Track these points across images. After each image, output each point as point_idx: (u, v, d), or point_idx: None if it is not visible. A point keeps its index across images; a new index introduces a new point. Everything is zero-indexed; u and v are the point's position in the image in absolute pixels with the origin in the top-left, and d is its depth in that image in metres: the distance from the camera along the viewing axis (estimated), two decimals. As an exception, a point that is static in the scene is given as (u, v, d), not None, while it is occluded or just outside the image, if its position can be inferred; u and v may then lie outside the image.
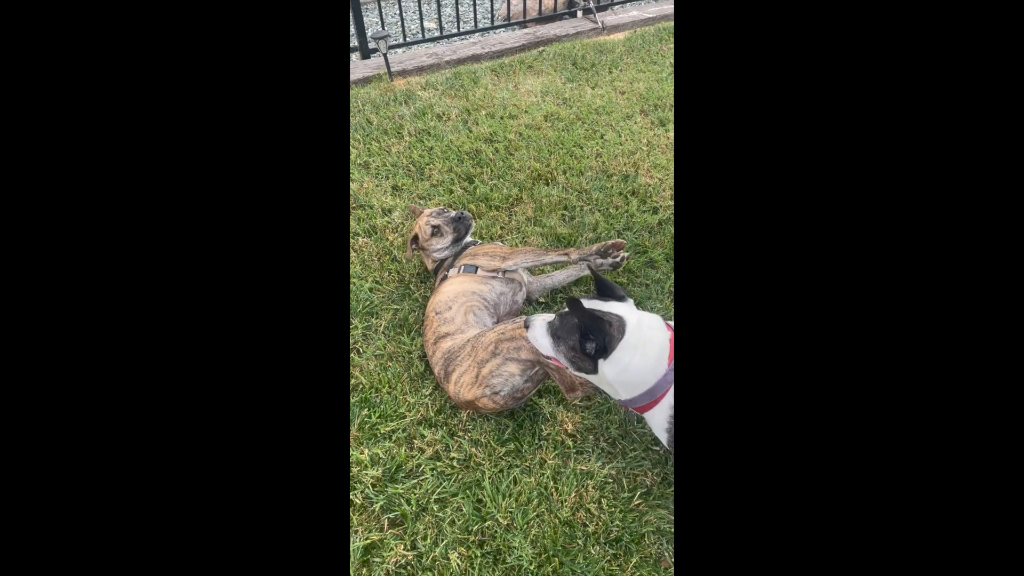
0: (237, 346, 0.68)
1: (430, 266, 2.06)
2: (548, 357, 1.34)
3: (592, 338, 1.19)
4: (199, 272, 0.68)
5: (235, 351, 0.68)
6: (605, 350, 1.19)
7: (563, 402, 1.67)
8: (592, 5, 4.14)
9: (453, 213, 2.05)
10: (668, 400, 1.23)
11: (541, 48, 3.78)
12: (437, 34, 3.89)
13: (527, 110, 3.07)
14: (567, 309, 1.24)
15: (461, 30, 3.97)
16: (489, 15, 4.25)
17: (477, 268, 1.88)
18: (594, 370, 1.24)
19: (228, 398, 0.67)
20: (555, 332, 1.28)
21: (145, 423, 0.65)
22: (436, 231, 2.00)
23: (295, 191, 0.72)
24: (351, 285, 2.05)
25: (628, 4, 4.39)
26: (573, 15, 4.25)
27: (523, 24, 4.15)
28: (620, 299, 1.32)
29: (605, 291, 1.34)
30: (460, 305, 1.77)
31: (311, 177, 0.73)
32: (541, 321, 1.34)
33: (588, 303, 1.26)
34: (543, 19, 4.14)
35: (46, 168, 0.64)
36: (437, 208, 2.09)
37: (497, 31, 4.13)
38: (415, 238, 2.03)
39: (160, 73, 0.68)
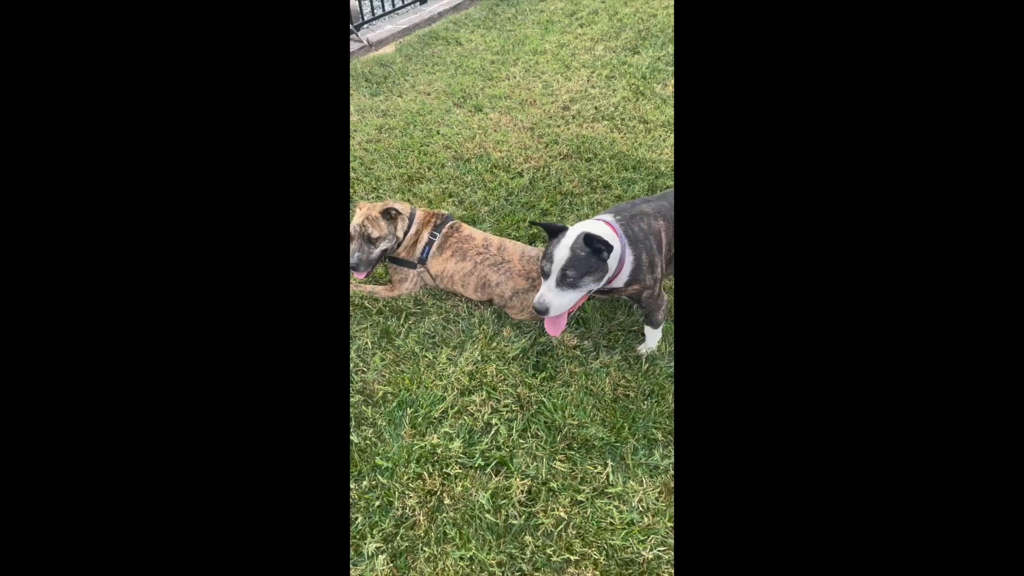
0: (238, 333, 0.70)
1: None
2: (575, 306, 1.62)
3: (599, 247, 1.55)
4: (196, 260, 0.69)
5: (236, 338, 0.70)
6: (611, 245, 1.57)
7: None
8: (351, 25, 4.32)
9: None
10: (621, 277, 1.68)
11: (324, 73, 3.84)
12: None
13: (355, 128, 3.18)
14: (572, 255, 1.54)
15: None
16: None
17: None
18: (607, 267, 1.61)
19: (235, 379, 0.69)
20: (572, 280, 1.55)
21: (148, 410, 0.67)
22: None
23: (295, 181, 0.73)
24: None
25: (377, 20, 4.68)
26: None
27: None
28: (564, 228, 1.66)
29: (555, 230, 1.67)
30: None
31: (309, 165, 0.75)
32: (548, 291, 1.56)
33: (572, 231, 1.61)
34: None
35: (39, 155, 0.63)
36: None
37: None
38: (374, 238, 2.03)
39: (163, 62, 0.68)
